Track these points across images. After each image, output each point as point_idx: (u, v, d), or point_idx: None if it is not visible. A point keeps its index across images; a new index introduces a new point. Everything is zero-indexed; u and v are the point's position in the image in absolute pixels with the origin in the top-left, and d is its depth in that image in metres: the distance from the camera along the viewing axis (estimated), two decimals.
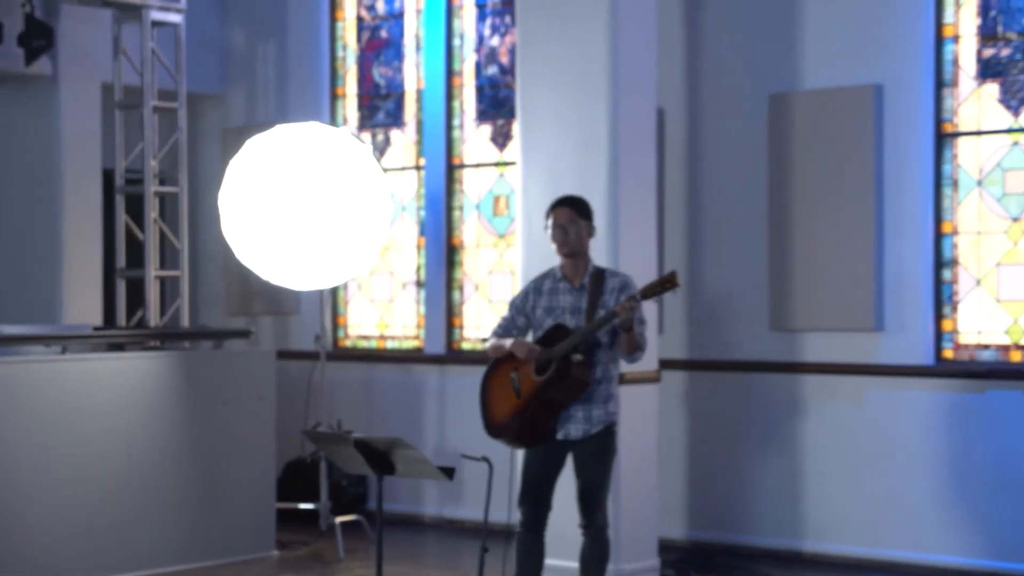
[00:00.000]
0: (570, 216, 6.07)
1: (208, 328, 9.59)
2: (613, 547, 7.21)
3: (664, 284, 5.74)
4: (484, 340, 6.33)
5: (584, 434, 5.98)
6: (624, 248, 7.40)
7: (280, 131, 8.20)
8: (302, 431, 6.75)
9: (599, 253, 7.23)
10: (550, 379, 5.91)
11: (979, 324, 7.80)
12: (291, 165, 7.96)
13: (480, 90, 9.61)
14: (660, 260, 8.57)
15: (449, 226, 9.70)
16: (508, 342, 6.07)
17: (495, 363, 6.15)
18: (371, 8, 10.18)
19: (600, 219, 7.31)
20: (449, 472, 5.46)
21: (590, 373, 5.94)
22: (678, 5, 8.66)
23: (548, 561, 6.28)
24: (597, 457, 6.01)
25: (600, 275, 6.07)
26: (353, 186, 8.03)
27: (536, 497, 6.07)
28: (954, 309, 7.87)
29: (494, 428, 6.10)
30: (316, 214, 7.92)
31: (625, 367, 6.36)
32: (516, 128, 7.76)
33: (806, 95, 8.17)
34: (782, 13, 8.31)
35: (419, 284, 9.88)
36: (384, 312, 10.09)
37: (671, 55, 8.60)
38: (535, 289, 6.19)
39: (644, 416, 7.53)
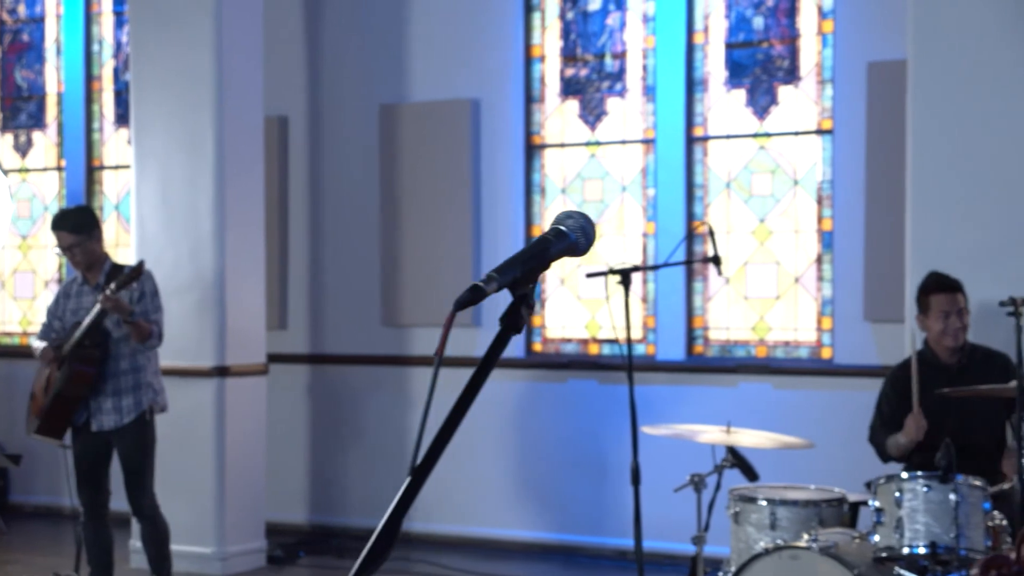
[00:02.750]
0: (69, 239, 6.26)
1: None
2: (218, 531, 7.69)
3: (132, 275, 6.09)
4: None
5: (116, 424, 6.29)
6: (231, 250, 7.77)
7: None
8: None
9: (207, 256, 7.65)
10: (60, 375, 6.25)
11: (563, 320, 8.54)
12: None
13: (119, 94, 9.88)
14: (284, 262, 9.06)
15: None
16: (39, 345, 6.39)
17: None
18: (12, 11, 10.32)
19: (207, 224, 7.73)
20: (15, 459, 5.81)
21: (92, 365, 6.20)
22: (299, 16, 9.11)
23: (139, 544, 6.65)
24: (133, 446, 6.33)
25: (116, 272, 6.32)
26: None
27: (90, 486, 6.40)
28: (542, 306, 8.58)
29: (29, 426, 6.44)
30: None
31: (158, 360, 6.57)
32: (131, 133, 8.07)
33: (412, 107, 8.74)
34: (392, 28, 8.84)
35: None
36: (27, 310, 10.27)
37: (294, 64, 9.06)
38: (64, 293, 6.48)
39: (251, 406, 7.95)
